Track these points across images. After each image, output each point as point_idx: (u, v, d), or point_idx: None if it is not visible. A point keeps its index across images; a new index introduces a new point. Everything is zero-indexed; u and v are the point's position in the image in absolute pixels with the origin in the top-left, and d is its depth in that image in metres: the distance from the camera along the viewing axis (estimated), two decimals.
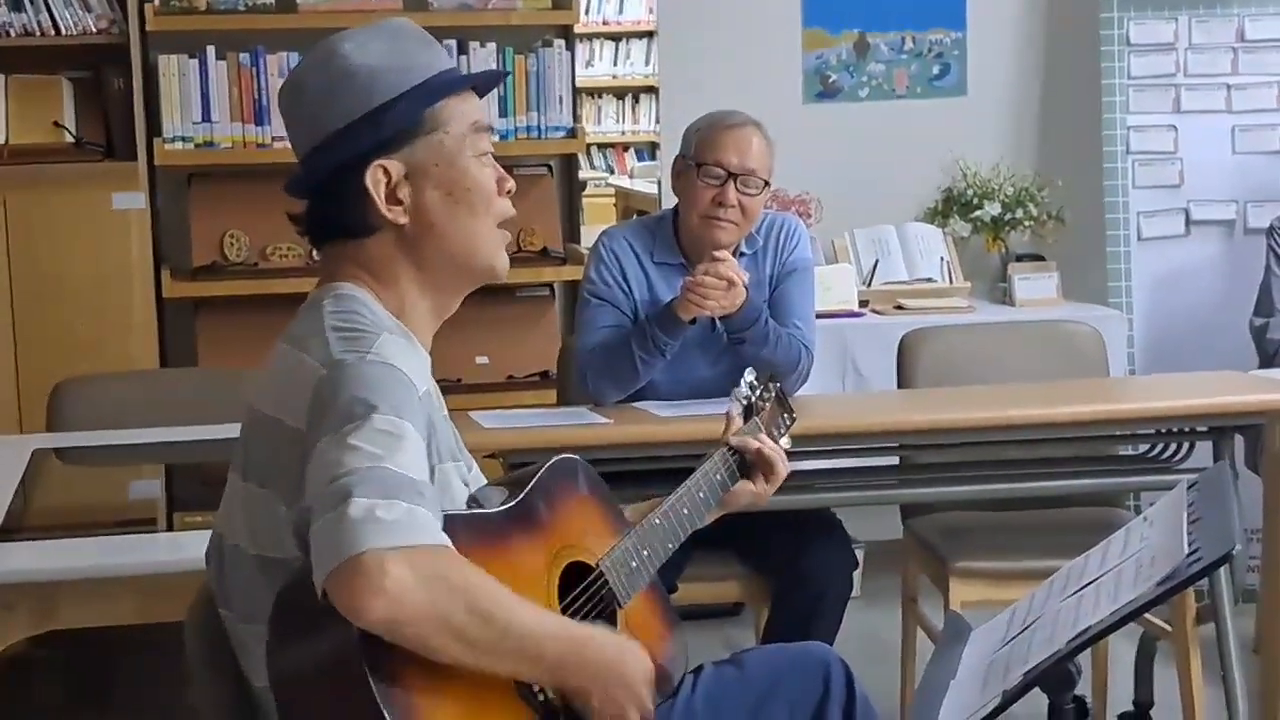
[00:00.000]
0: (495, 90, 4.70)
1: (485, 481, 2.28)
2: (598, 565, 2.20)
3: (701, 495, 2.45)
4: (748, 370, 2.68)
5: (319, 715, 1.91)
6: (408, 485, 1.87)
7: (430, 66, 2.16)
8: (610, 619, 2.19)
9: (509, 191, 2.22)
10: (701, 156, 3.69)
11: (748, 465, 2.56)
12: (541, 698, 2.00)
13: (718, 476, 2.50)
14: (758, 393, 2.63)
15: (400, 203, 2.13)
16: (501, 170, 2.21)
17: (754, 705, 2.38)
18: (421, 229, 2.15)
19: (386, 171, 2.12)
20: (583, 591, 2.17)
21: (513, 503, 2.12)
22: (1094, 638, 1.84)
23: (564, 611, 2.11)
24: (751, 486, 2.55)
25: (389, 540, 1.81)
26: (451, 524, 1.94)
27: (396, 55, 2.14)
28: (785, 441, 2.66)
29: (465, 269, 2.20)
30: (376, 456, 1.87)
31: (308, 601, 1.85)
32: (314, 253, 5.58)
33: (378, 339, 2.04)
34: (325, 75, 2.14)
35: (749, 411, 2.61)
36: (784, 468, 2.57)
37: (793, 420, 2.71)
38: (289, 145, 5.70)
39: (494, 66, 5.05)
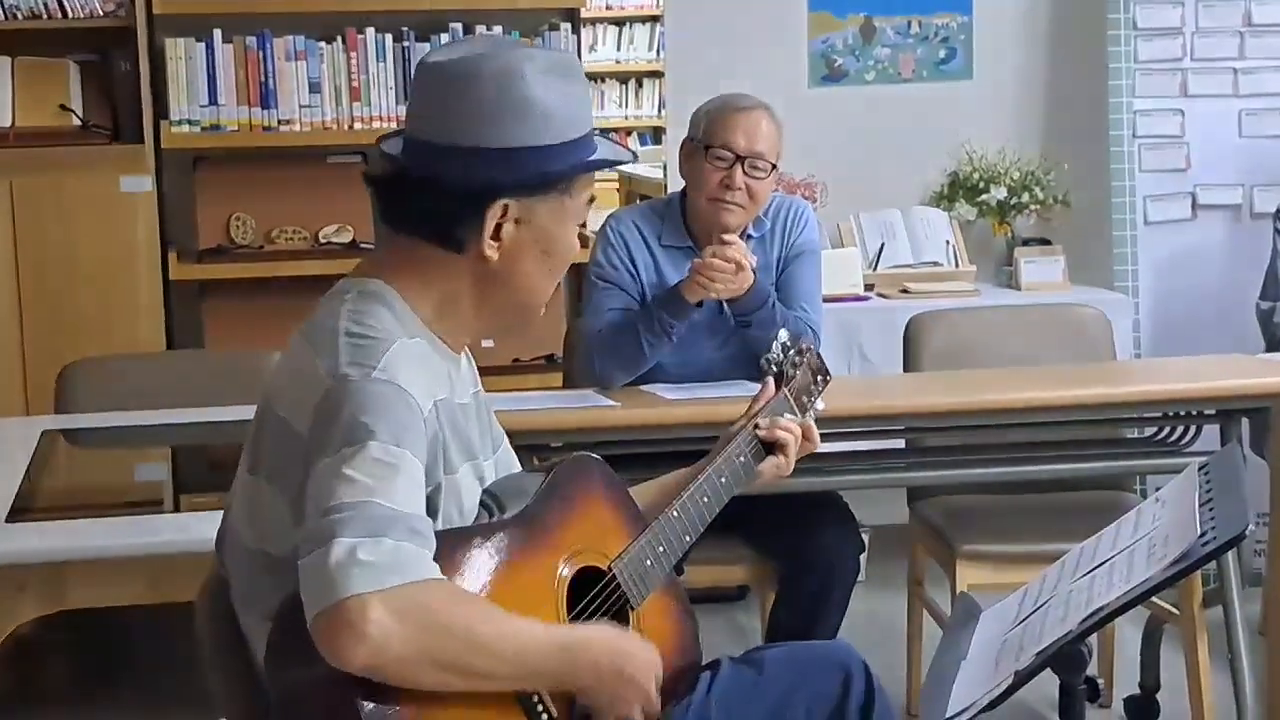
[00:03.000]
0: None
1: (514, 460, 2.29)
2: (609, 568, 2.19)
3: (724, 480, 2.42)
4: (780, 331, 2.62)
5: None
6: (397, 521, 1.86)
7: (585, 120, 2.15)
8: (624, 620, 2.18)
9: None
10: (710, 139, 3.69)
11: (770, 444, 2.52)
12: (545, 716, 2.00)
13: (741, 459, 2.46)
14: (790, 356, 2.57)
15: (499, 240, 2.11)
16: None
17: (771, 709, 2.34)
18: (503, 271, 2.13)
19: (506, 210, 2.10)
20: (595, 595, 2.16)
21: (519, 510, 2.11)
22: (1107, 617, 1.84)
23: (576, 617, 2.11)
24: (775, 462, 2.51)
25: (371, 584, 1.80)
26: (452, 541, 1.95)
27: (569, 103, 2.11)
28: (821, 404, 2.61)
29: (514, 318, 2.21)
30: (369, 489, 1.87)
31: (303, 625, 1.85)
32: (319, 236, 5.53)
33: (390, 349, 2.02)
34: (502, 91, 2.07)
35: (779, 379, 2.55)
36: (813, 443, 2.53)
37: (827, 382, 2.63)
38: (295, 129, 5.66)
39: None
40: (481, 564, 1.99)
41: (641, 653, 2.07)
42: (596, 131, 2.18)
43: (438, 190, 2.09)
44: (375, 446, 1.90)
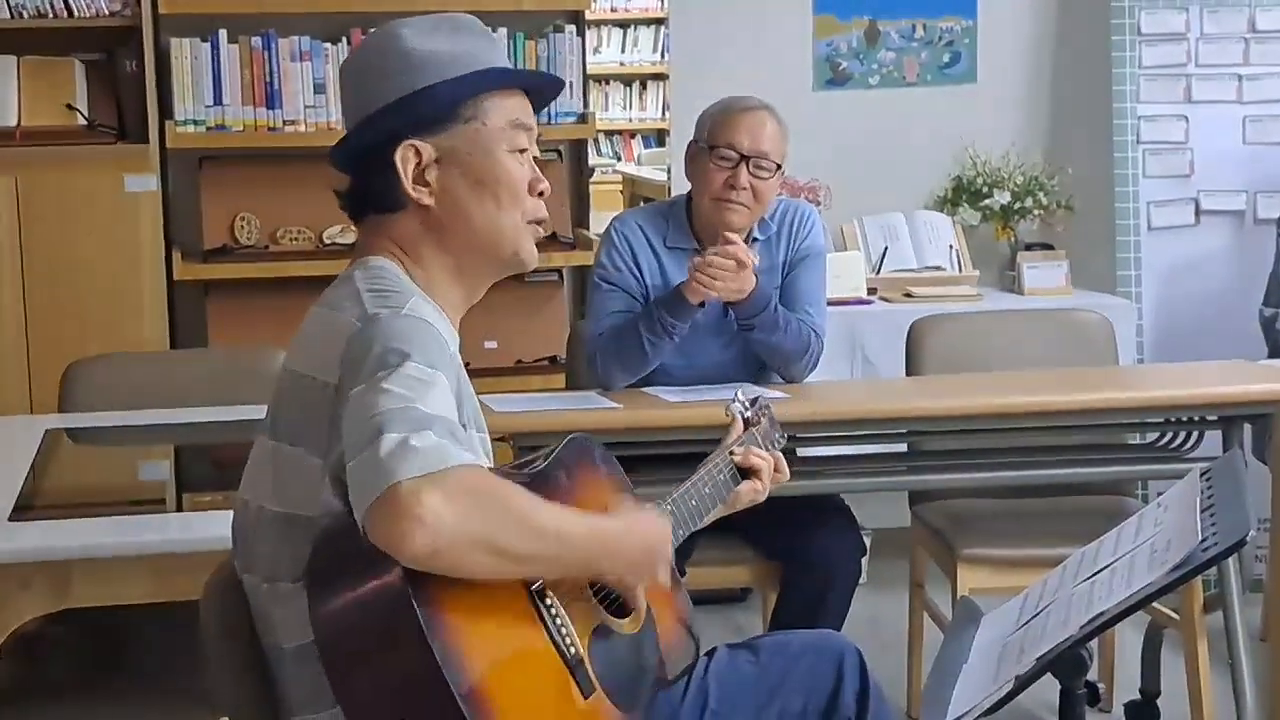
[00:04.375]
0: None
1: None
2: None
3: (707, 491, 2.50)
4: (739, 390, 2.71)
5: (364, 655, 1.91)
6: (438, 421, 1.90)
7: (483, 60, 2.20)
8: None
9: (542, 193, 2.25)
10: (714, 139, 3.70)
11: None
12: (553, 611, 2.03)
13: (721, 476, 2.55)
14: (750, 413, 2.68)
15: (427, 184, 2.18)
16: (538, 172, 2.25)
17: (767, 692, 2.40)
18: (447, 213, 2.19)
19: (417, 152, 2.17)
20: None
21: (534, 471, 2.16)
22: (1108, 622, 1.84)
23: None
24: (752, 484, 2.59)
25: (421, 468, 1.83)
26: None
27: (452, 44, 2.19)
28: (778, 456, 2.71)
29: (489, 257, 2.24)
30: (408, 398, 1.90)
31: (345, 546, 1.89)
32: (323, 236, 5.57)
33: (411, 299, 2.09)
34: (380, 54, 2.19)
35: (746, 423, 2.67)
36: (784, 474, 2.63)
37: (784, 440, 2.75)
38: (300, 129, 5.70)
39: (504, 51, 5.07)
40: None
41: (662, 531, 2.17)
42: (508, 67, 2.26)
43: (357, 161, 2.20)
44: (410, 366, 1.94)
